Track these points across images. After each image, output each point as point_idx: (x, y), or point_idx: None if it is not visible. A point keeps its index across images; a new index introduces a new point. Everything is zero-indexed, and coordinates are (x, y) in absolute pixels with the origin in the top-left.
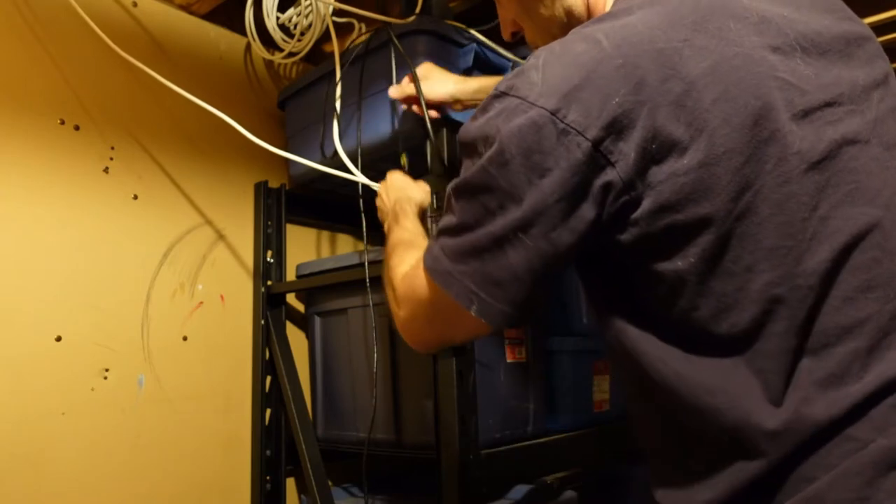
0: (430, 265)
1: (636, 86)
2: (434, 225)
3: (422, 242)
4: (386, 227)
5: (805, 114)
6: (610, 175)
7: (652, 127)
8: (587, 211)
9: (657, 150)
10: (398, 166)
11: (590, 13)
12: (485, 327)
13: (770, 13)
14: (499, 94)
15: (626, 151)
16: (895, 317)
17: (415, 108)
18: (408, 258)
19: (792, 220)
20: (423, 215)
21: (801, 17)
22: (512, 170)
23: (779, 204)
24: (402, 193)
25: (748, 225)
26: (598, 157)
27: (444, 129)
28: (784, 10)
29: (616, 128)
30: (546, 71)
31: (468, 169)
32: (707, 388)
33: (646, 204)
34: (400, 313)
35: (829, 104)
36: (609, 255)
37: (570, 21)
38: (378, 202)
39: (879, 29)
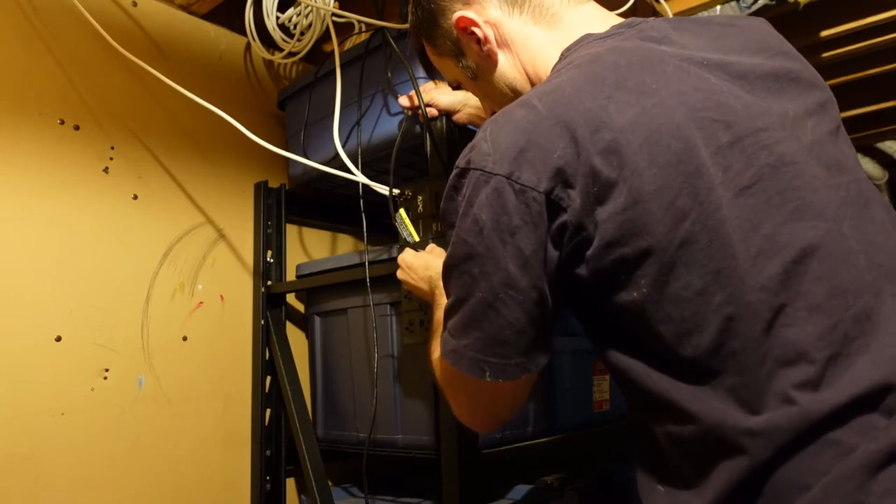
0: (443, 349)
1: (571, 139)
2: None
3: None
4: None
5: (732, 144)
6: (562, 218)
7: (590, 173)
8: (552, 253)
9: (598, 193)
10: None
11: (532, 83)
12: (513, 387)
13: (693, 59)
14: (461, 172)
15: (573, 197)
16: (858, 321)
17: (421, 112)
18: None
19: (729, 242)
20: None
21: (729, 60)
22: (486, 235)
23: (714, 230)
24: (432, 271)
25: (692, 252)
26: (552, 205)
27: (444, 130)
28: (710, 54)
29: (561, 177)
30: (494, 140)
31: (451, 245)
32: (685, 398)
33: (596, 242)
34: (448, 399)
35: (762, 130)
36: (577, 291)
37: (516, 95)
38: (401, 277)
39: (879, 29)
